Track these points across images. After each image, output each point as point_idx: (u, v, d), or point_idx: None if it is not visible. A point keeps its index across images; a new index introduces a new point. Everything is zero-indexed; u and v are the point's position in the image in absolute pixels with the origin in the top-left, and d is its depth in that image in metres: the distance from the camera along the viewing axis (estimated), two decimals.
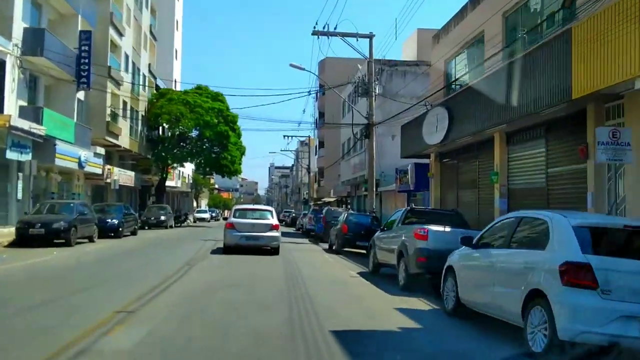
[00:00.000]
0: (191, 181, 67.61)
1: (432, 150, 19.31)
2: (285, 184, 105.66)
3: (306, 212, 41.19)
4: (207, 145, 42.00)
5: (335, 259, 18.30)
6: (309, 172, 56.37)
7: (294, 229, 43.69)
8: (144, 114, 39.79)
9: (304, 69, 26.46)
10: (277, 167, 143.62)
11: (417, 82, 26.71)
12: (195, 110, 39.37)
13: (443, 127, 16.06)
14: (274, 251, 17.00)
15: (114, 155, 35.45)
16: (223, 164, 41.73)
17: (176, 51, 59.90)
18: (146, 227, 32.27)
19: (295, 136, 57.18)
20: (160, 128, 44.31)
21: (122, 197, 39.00)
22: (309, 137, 62.78)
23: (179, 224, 40.14)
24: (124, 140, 34.37)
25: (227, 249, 16.91)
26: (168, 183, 52.16)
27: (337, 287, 11.53)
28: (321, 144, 61.79)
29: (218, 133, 40.19)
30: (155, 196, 42.99)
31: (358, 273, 14.15)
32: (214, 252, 17.75)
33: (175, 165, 44.69)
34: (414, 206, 16.60)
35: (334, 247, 20.90)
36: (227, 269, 13.59)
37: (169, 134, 43.21)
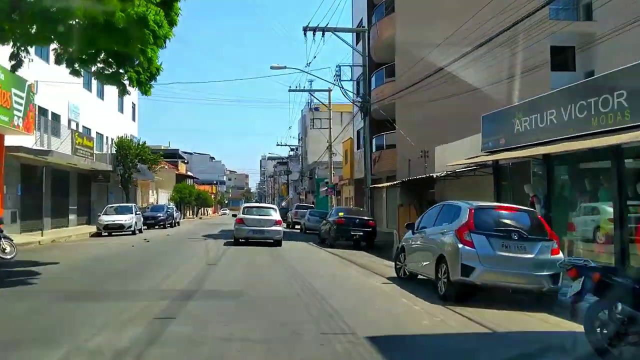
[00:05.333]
0: (114, 150, 34.23)
1: None
2: (287, 170, 73.28)
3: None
4: None
5: None
6: (365, 114, 23.15)
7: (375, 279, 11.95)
8: None
9: None
10: (269, 158, 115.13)
11: None
12: None
13: None
14: (277, 243, 19.37)
15: None
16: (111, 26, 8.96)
17: None
18: None
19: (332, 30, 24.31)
20: None
21: None
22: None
23: None
24: None
25: (237, 241, 19.56)
26: (13, 141, 19.84)
27: None
28: (378, 66, 29.42)
29: None
30: None
31: None
32: None
33: None
34: None
35: None
36: None
37: None
